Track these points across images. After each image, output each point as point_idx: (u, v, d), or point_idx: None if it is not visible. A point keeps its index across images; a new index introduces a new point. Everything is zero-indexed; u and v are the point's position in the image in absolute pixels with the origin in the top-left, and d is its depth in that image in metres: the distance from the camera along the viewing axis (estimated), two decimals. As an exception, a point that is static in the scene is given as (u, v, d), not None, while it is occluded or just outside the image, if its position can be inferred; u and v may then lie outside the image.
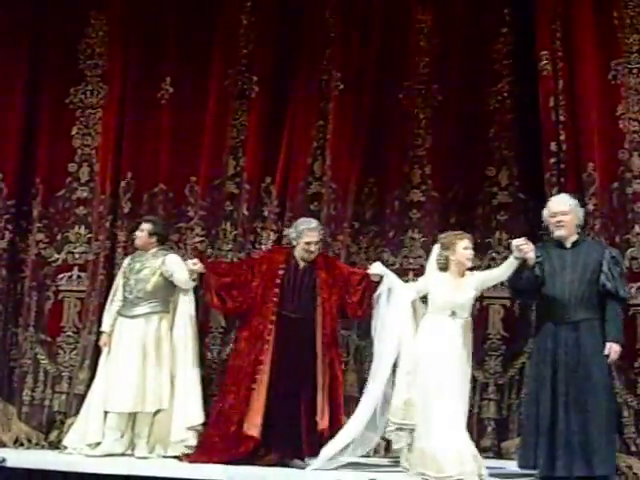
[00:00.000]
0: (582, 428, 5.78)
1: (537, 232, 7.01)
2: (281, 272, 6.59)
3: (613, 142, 6.71)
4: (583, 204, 6.58)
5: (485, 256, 7.23)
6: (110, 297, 7.10)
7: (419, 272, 7.14)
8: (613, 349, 5.92)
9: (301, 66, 7.50)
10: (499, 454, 6.87)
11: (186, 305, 6.93)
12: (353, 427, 6.22)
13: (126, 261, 7.13)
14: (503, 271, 6.24)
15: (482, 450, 6.72)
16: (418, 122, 7.40)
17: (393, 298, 6.34)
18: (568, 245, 6.12)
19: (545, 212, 6.29)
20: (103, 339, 7.01)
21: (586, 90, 6.74)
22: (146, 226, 7.06)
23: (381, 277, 6.47)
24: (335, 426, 6.36)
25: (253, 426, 6.34)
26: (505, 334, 7.11)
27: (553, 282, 6.03)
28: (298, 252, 6.65)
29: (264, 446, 6.40)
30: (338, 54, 7.42)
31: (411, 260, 7.31)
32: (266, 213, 7.41)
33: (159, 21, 7.84)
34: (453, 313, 6.08)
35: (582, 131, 6.72)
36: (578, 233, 6.19)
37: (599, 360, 5.90)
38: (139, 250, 7.09)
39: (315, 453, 6.24)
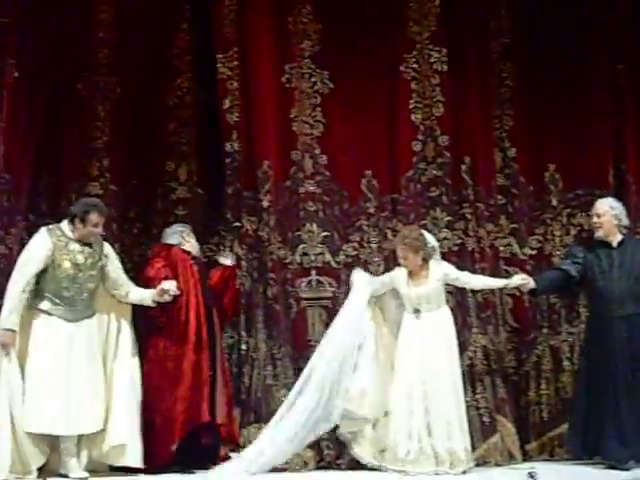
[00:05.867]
0: None
1: (215, 226, 7.21)
2: (196, 267, 6.56)
3: (287, 143, 7.02)
4: (258, 200, 6.83)
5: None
6: None
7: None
8: None
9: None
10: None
11: None
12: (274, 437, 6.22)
13: None
14: (478, 284, 6.55)
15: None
16: (97, 114, 7.28)
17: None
18: (614, 245, 6.50)
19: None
20: None
21: (261, 92, 6.98)
22: None
23: None
24: (229, 422, 6.53)
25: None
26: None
27: (603, 280, 6.46)
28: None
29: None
30: (13, 40, 7.04)
31: (90, 252, 7.17)
32: None
33: None
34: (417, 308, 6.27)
35: (256, 131, 6.96)
36: (623, 233, 6.53)
37: None
38: None
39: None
